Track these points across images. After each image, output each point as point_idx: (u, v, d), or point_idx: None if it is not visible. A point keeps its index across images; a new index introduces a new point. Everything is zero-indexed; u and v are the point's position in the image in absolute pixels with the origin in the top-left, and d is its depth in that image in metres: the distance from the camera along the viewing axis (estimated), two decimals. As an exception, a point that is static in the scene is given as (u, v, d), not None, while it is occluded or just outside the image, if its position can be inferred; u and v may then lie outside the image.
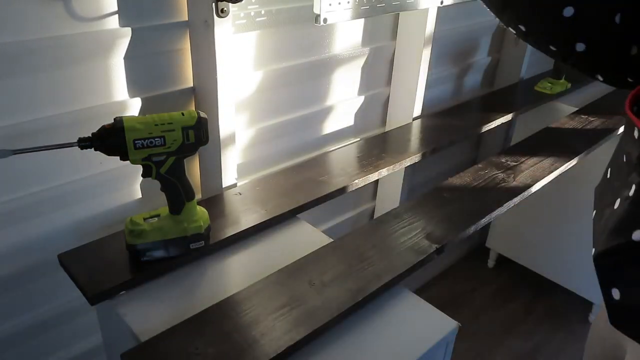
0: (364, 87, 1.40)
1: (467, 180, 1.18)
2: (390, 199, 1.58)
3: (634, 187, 0.50)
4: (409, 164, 1.27)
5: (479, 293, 2.09)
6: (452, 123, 1.49)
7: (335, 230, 1.49)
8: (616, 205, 0.52)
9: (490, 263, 2.22)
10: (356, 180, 1.13)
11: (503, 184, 1.16)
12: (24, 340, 0.98)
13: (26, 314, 0.97)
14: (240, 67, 1.09)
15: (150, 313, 0.79)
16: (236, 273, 0.90)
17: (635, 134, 0.51)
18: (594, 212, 0.59)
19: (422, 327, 0.81)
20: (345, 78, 1.34)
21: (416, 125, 1.44)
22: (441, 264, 2.16)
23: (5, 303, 0.93)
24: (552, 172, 1.23)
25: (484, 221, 1.04)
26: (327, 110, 1.33)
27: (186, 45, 0.99)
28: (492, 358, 1.79)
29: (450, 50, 1.64)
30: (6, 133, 0.82)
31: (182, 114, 0.79)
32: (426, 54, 1.39)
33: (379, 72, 1.43)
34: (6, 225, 0.88)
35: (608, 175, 0.60)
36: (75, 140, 0.73)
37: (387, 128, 1.50)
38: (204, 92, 1.02)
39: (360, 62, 1.35)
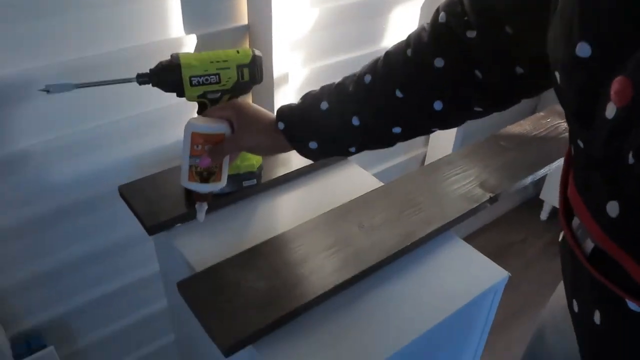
0: (423, 28, 1.34)
1: (527, 129, 1.13)
2: (442, 145, 1.54)
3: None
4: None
5: (530, 244, 2.05)
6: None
7: (385, 174, 1.48)
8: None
9: (544, 215, 2.16)
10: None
11: (566, 134, 1.11)
12: (86, 266, 1.05)
13: (88, 242, 1.03)
14: (295, 4, 1.06)
15: (204, 245, 0.82)
16: (286, 212, 0.91)
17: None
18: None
19: (471, 275, 0.80)
20: (404, 17, 1.29)
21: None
22: (492, 213, 2.13)
23: (69, 231, 0.99)
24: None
25: (542, 172, 1.00)
26: (383, 52, 1.29)
27: (242, -20, 0.97)
28: (538, 309, 1.78)
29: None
30: (69, 67, 0.84)
31: (237, 52, 0.78)
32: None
33: (440, 12, 1.37)
34: (69, 157, 0.92)
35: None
36: (134, 76, 0.74)
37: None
38: (258, 29, 1.00)
39: (420, 1, 1.29)
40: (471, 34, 0.56)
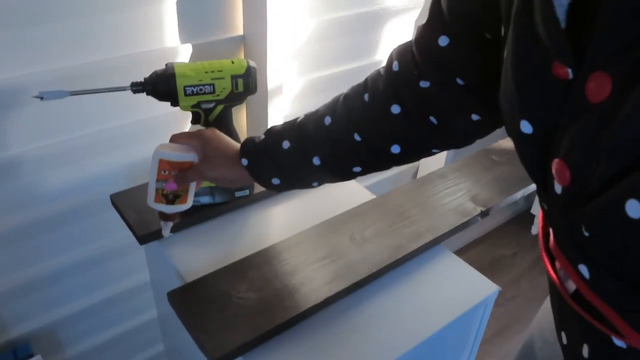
0: (417, 42, 1.36)
1: (518, 144, 1.14)
2: (435, 159, 1.55)
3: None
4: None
5: (520, 259, 2.06)
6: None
7: (378, 187, 1.49)
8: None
9: (534, 230, 2.17)
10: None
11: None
12: (76, 274, 1.04)
13: (78, 249, 1.02)
14: (290, 16, 1.07)
15: (196, 255, 0.81)
16: (278, 223, 0.91)
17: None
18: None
19: (462, 288, 0.80)
20: (398, 31, 1.30)
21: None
22: (483, 227, 2.14)
23: (58, 239, 0.99)
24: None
25: (533, 187, 1.01)
26: (377, 65, 1.30)
27: (238, -9, 0.98)
28: (528, 324, 1.78)
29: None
30: (63, 74, 0.84)
31: (232, 62, 0.79)
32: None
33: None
34: (61, 164, 0.92)
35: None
36: (128, 85, 0.74)
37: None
38: (253, 40, 1.01)
39: (415, 14, 1.31)
40: (424, 84, 0.57)
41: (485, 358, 1.61)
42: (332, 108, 0.64)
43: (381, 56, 1.30)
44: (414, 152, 0.64)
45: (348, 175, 0.67)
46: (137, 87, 0.74)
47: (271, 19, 0.95)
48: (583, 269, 0.39)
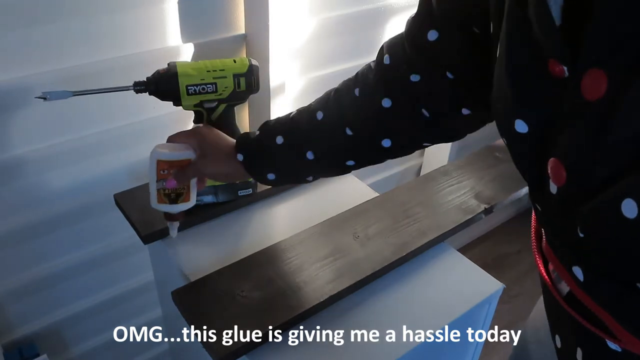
0: (419, 39, 1.36)
1: (522, 140, 1.13)
2: (438, 156, 1.55)
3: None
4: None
5: (524, 256, 2.05)
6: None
7: (381, 185, 1.49)
8: None
9: (538, 226, 2.16)
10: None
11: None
12: (81, 274, 1.04)
13: (82, 249, 1.02)
14: (292, 14, 1.07)
15: (199, 255, 0.82)
16: (281, 222, 0.91)
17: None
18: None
19: (466, 286, 0.80)
20: (400, 29, 1.29)
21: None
22: (487, 224, 2.13)
23: (63, 239, 0.99)
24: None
25: (536, 183, 1.01)
26: (380, 62, 1.30)
27: (240, -10, 0.98)
28: (532, 321, 1.77)
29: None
30: (66, 74, 0.84)
31: (234, 61, 0.79)
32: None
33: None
34: (65, 164, 0.92)
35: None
36: (131, 84, 0.74)
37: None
38: (255, 39, 1.01)
39: (417, 12, 1.30)
40: (415, 77, 0.57)
41: (490, 355, 1.60)
42: (324, 103, 0.65)
43: (384, 54, 1.29)
44: (405, 145, 0.64)
45: (343, 169, 0.68)
46: (139, 87, 0.74)
47: (273, 17, 0.95)
48: (577, 271, 0.38)
